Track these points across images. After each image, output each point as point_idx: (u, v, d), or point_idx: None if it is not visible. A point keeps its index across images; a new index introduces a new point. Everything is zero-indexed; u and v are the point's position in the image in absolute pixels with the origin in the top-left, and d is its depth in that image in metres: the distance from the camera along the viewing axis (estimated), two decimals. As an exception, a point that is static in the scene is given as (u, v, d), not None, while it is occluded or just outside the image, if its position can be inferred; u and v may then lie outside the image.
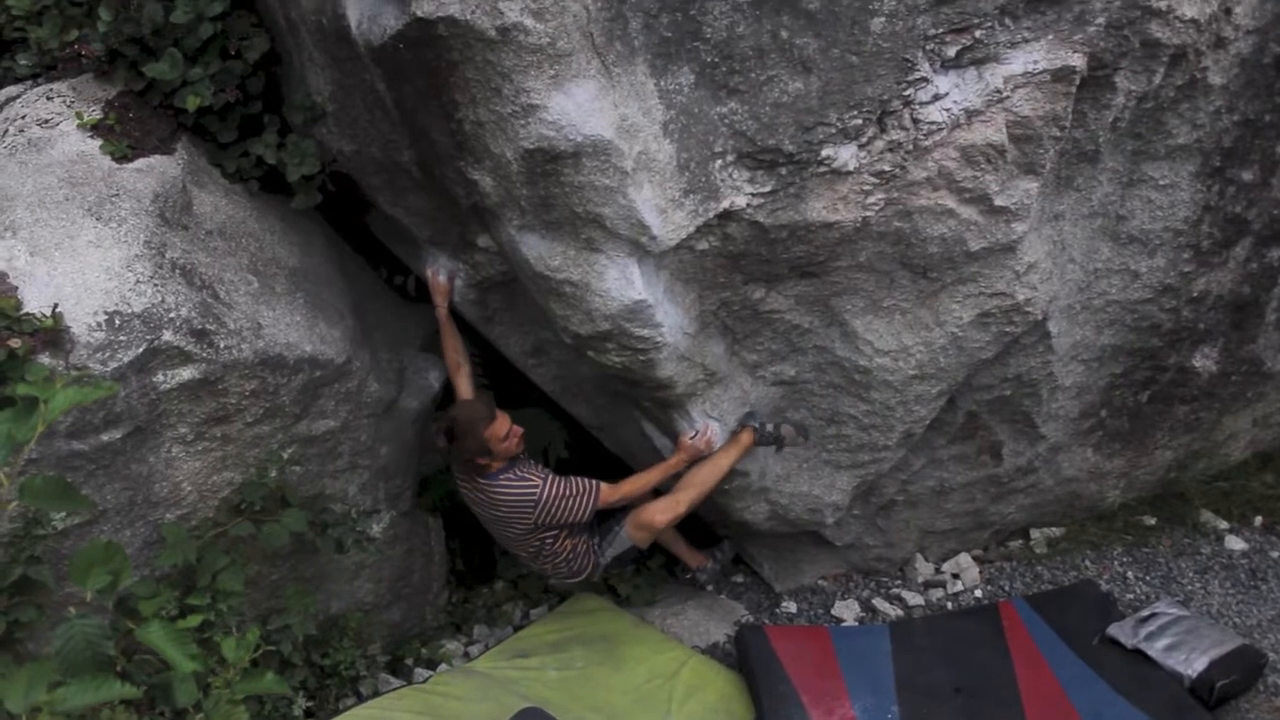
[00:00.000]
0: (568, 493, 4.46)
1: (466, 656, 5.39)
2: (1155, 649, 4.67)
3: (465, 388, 4.76)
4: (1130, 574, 5.44)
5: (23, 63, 4.64)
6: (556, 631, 5.11)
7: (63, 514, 3.84)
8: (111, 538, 3.99)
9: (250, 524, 4.19)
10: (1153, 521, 5.73)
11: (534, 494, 4.45)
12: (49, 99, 4.44)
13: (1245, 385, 5.40)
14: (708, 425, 4.48)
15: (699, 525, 5.53)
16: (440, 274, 4.66)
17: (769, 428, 4.64)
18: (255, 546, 4.27)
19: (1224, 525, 5.68)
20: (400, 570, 5.21)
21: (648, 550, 5.13)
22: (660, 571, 5.73)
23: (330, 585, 4.84)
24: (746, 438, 4.60)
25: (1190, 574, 5.40)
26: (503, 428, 4.45)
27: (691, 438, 4.48)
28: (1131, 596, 5.30)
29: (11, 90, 4.56)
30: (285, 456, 4.34)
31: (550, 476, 4.51)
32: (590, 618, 5.23)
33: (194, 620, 3.74)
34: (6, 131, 4.29)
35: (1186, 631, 4.74)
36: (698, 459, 4.52)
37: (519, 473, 4.51)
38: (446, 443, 4.44)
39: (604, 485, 4.52)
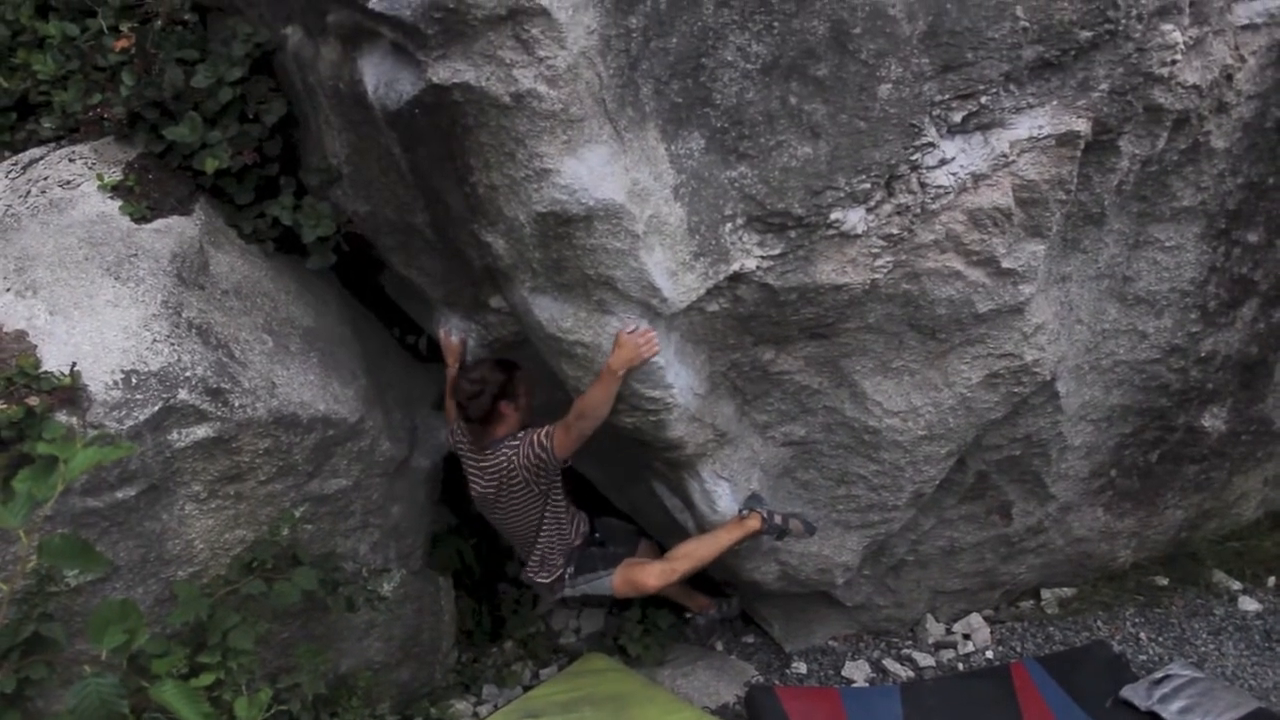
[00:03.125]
0: (533, 437, 4.33)
1: (476, 717, 5.36)
2: (1170, 711, 4.64)
3: None
4: (1143, 635, 5.41)
5: (46, 125, 4.73)
6: (566, 691, 5.08)
7: (76, 571, 3.86)
8: (124, 595, 4.00)
9: (262, 582, 4.19)
10: (1165, 582, 5.71)
11: (516, 449, 4.38)
12: (71, 161, 4.51)
13: (1255, 445, 5.40)
14: (637, 322, 3.95)
15: (709, 579, 5.53)
16: (452, 334, 4.69)
17: (776, 519, 4.61)
18: (266, 605, 4.27)
19: (1237, 586, 5.65)
20: (410, 629, 5.20)
21: (656, 605, 5.09)
22: (670, 631, 5.71)
23: (340, 644, 4.83)
24: (753, 522, 4.57)
25: (1204, 635, 5.37)
26: (525, 375, 4.47)
27: (630, 333, 3.93)
28: (1145, 657, 5.27)
29: (35, 152, 4.63)
30: (297, 515, 4.36)
31: (522, 436, 4.41)
32: (600, 678, 5.20)
33: (207, 679, 3.75)
34: (29, 192, 4.37)
35: (1201, 694, 4.70)
36: (637, 358, 3.97)
37: (511, 440, 4.43)
38: (476, 383, 4.32)
39: (557, 425, 4.25)
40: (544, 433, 4.29)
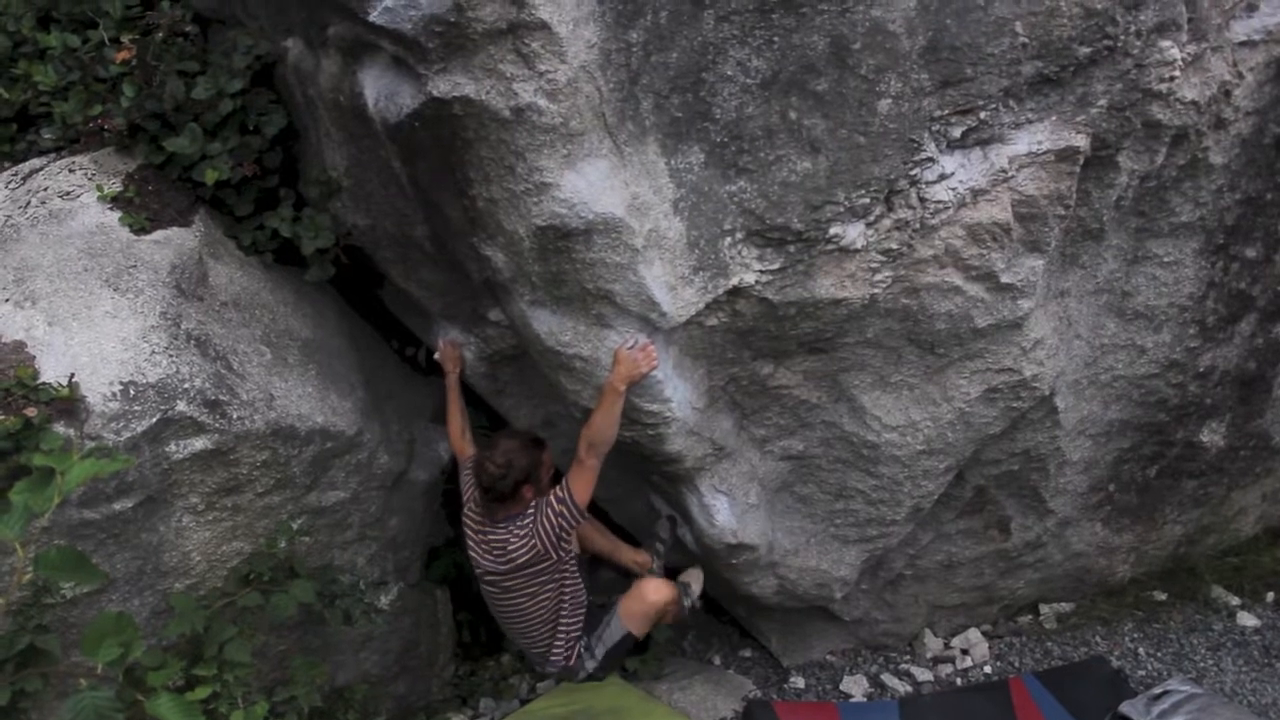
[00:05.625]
0: (549, 500, 4.24)
1: (472, 730, 5.36)
2: (1168, 728, 4.63)
3: (469, 452, 4.72)
4: (1141, 650, 5.40)
5: (47, 136, 4.74)
6: (563, 705, 5.06)
7: (72, 583, 3.85)
8: (120, 607, 4.00)
9: (259, 594, 4.19)
10: (1163, 597, 5.70)
11: (531, 521, 4.26)
12: (71, 171, 4.52)
13: (1254, 460, 5.40)
14: (636, 337, 3.94)
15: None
16: (451, 345, 4.69)
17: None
18: (263, 617, 4.26)
19: (1235, 601, 5.64)
20: (407, 642, 5.18)
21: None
22: (667, 645, 5.69)
23: (337, 656, 4.82)
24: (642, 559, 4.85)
25: (1202, 650, 5.36)
26: (549, 457, 4.41)
27: (629, 348, 3.91)
28: (1143, 673, 5.25)
29: (35, 163, 4.64)
30: (295, 527, 4.35)
31: (535, 505, 4.29)
32: (597, 692, 5.18)
33: (203, 691, 3.74)
34: (29, 203, 4.37)
35: (1200, 709, 4.69)
36: (637, 373, 3.92)
37: (522, 515, 4.31)
38: (501, 468, 4.21)
39: (570, 472, 4.20)
40: (558, 489, 4.21)
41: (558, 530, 4.22)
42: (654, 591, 4.64)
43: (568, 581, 4.48)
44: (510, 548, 4.28)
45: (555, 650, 4.60)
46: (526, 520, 4.26)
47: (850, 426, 4.43)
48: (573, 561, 4.50)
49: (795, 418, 4.44)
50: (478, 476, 4.30)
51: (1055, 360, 4.45)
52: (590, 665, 4.66)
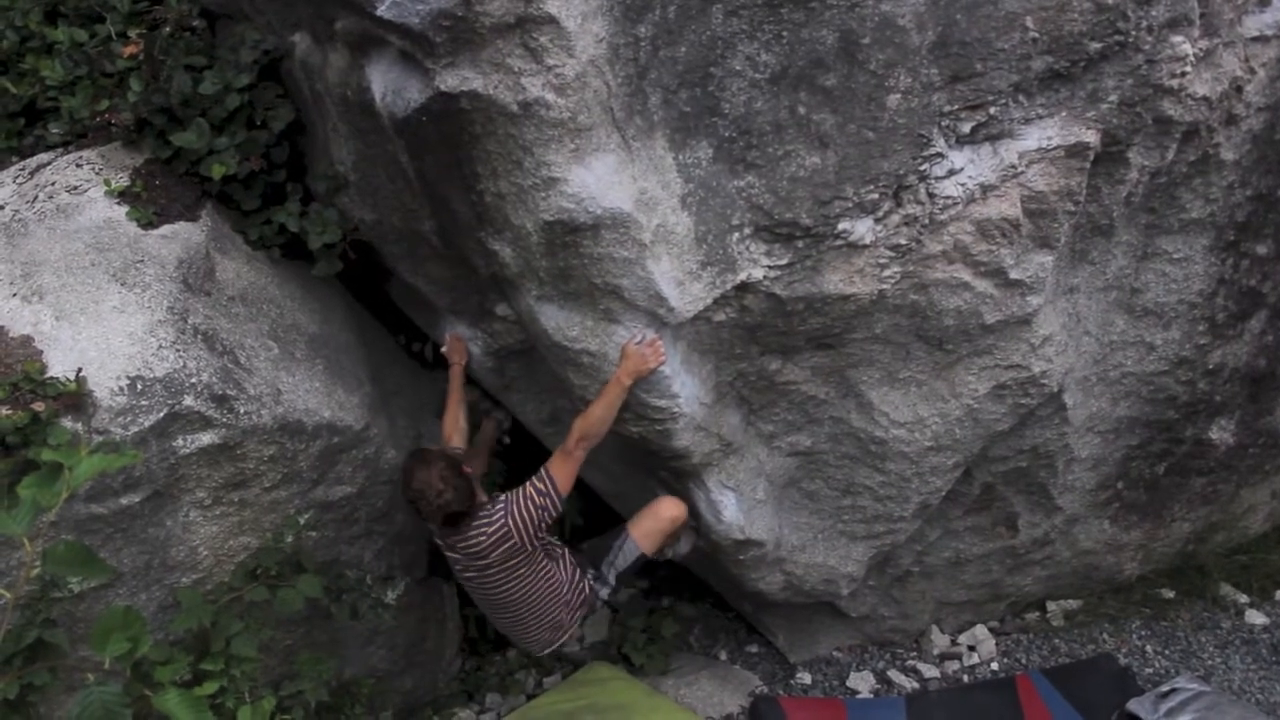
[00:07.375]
0: (525, 491, 4.17)
1: (478, 725, 5.36)
2: (1176, 726, 4.62)
3: (458, 443, 4.68)
4: (1149, 648, 5.39)
5: (54, 131, 4.73)
6: (570, 700, 5.07)
7: (80, 578, 3.85)
8: (127, 602, 3.99)
9: (265, 589, 4.18)
10: (1171, 594, 5.69)
11: (502, 516, 4.19)
12: (78, 166, 4.51)
13: (1263, 458, 5.38)
14: (644, 332, 3.93)
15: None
16: (457, 339, 4.69)
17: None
18: (270, 612, 4.26)
19: (1244, 599, 5.63)
20: (414, 637, 5.19)
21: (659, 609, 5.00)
22: (674, 641, 5.69)
23: (344, 651, 4.82)
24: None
25: (1210, 648, 5.35)
26: (469, 454, 4.36)
27: (637, 343, 3.91)
28: (1151, 671, 5.24)
29: (43, 157, 4.63)
30: (302, 522, 4.34)
31: (505, 498, 4.23)
32: (603, 687, 5.19)
33: (210, 686, 3.73)
34: (37, 198, 4.36)
35: (1208, 708, 4.68)
36: (645, 368, 3.92)
37: (485, 511, 4.26)
38: (443, 494, 4.14)
39: (553, 461, 4.16)
40: (537, 480, 4.14)
41: (536, 522, 4.17)
42: (672, 507, 4.58)
43: (545, 567, 4.43)
44: (483, 547, 4.24)
45: (540, 633, 4.58)
46: (496, 516, 4.20)
47: (858, 423, 4.42)
48: (556, 547, 4.51)
49: (803, 413, 4.43)
50: (423, 513, 4.22)
51: (1064, 357, 4.43)
52: (605, 592, 4.64)
